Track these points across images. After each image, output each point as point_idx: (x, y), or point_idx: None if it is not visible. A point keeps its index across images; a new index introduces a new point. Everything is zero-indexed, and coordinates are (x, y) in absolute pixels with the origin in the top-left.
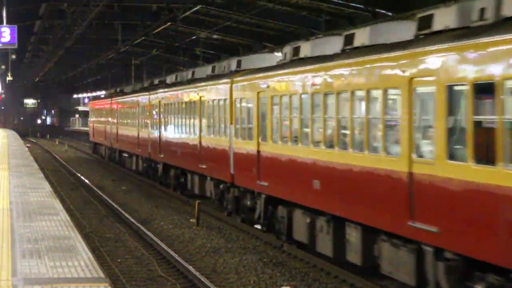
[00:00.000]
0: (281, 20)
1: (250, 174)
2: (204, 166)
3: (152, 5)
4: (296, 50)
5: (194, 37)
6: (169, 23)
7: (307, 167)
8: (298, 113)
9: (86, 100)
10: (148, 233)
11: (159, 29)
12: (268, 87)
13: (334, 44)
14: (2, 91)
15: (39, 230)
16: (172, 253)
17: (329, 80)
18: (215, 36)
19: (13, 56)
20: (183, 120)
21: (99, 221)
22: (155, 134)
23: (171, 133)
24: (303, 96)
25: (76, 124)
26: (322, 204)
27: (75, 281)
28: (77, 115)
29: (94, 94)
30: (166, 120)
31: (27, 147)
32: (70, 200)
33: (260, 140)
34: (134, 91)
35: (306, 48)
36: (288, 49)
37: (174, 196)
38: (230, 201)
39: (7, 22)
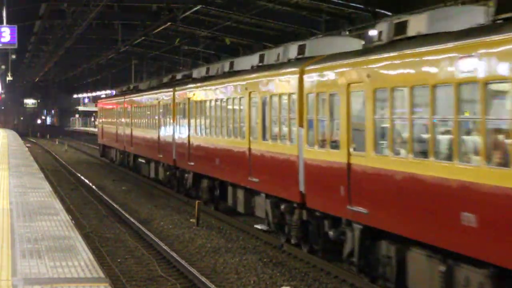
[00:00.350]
0: (281, 20)
1: (335, 195)
2: (256, 180)
3: (152, 5)
4: (401, 27)
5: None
6: (169, 23)
7: (448, 192)
8: (429, 112)
9: (86, 100)
10: (148, 233)
11: (159, 29)
12: (368, 76)
13: (465, 15)
14: (2, 91)
15: (39, 230)
16: (172, 253)
17: (498, 63)
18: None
19: (13, 56)
20: (223, 121)
21: (99, 221)
22: (183, 137)
23: (206, 136)
24: (438, 87)
25: (76, 124)
26: (481, 251)
27: (75, 281)
28: (77, 115)
29: (94, 94)
30: (198, 120)
31: (27, 147)
32: (70, 200)
33: (352, 149)
34: (152, 88)
35: (419, 23)
36: (384, 26)
37: (174, 196)
38: (295, 226)
39: (7, 22)
